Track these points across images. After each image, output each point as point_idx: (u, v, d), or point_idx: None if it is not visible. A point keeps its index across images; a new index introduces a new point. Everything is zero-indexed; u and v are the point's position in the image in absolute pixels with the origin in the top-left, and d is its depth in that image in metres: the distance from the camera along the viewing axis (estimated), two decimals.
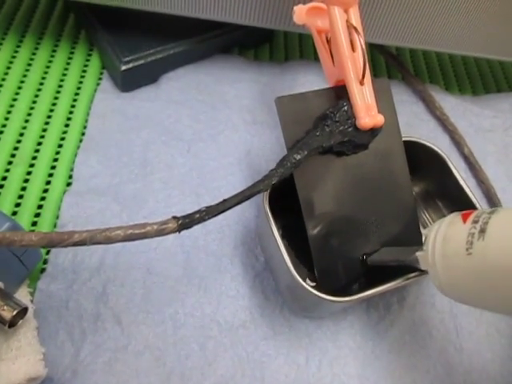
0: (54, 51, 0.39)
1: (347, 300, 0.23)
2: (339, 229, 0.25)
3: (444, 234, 0.20)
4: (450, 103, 0.40)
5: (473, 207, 0.27)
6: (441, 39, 0.35)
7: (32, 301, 0.26)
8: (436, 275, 0.20)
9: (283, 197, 0.26)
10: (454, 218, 0.20)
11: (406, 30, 0.33)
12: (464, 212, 0.20)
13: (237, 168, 0.33)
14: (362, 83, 0.24)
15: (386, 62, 0.43)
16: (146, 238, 0.19)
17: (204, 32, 0.37)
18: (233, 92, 0.37)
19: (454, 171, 0.28)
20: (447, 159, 0.28)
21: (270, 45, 0.43)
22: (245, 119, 0.36)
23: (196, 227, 0.21)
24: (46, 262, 0.28)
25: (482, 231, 0.18)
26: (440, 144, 0.29)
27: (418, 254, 0.21)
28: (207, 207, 0.21)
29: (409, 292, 0.30)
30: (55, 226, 0.30)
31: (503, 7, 0.32)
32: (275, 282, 0.29)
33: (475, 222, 0.18)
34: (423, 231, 0.22)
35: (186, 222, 0.20)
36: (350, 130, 0.24)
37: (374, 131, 0.24)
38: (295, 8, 0.27)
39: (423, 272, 0.24)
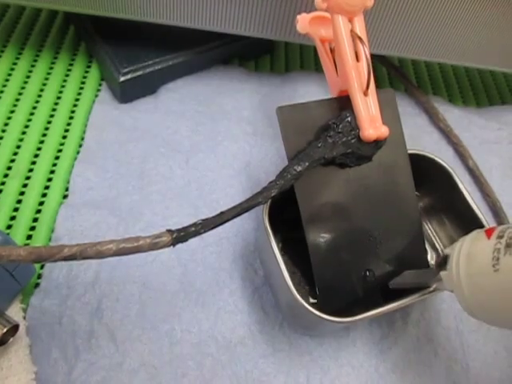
0: (54, 63, 0.38)
1: (350, 321, 0.22)
2: (341, 243, 0.24)
3: (468, 252, 0.19)
4: (453, 115, 0.39)
5: (479, 222, 0.26)
6: (443, 50, 0.34)
7: (24, 317, 0.25)
8: (462, 295, 0.19)
9: (284, 209, 0.25)
10: (477, 234, 0.19)
11: (408, 41, 0.33)
12: (487, 228, 0.19)
13: (236, 180, 0.33)
14: (366, 94, 0.23)
15: (389, 74, 0.43)
16: (138, 253, 0.19)
17: (204, 43, 0.37)
18: (232, 103, 0.37)
19: (461, 185, 0.27)
20: (453, 173, 0.28)
21: (271, 56, 0.42)
22: (244, 130, 0.35)
23: (193, 240, 0.21)
24: (40, 276, 0.28)
25: (508, 246, 0.17)
26: (444, 156, 0.29)
27: (442, 273, 0.20)
28: (203, 220, 0.20)
29: (413, 308, 0.29)
30: (50, 239, 0.29)
31: (507, 19, 0.32)
32: (275, 297, 0.28)
33: (500, 237, 0.18)
34: (444, 250, 0.22)
35: (181, 236, 0.20)
36: (353, 141, 0.23)
37: (378, 143, 0.24)
38: (298, 17, 0.27)
39: (429, 291, 0.23)
